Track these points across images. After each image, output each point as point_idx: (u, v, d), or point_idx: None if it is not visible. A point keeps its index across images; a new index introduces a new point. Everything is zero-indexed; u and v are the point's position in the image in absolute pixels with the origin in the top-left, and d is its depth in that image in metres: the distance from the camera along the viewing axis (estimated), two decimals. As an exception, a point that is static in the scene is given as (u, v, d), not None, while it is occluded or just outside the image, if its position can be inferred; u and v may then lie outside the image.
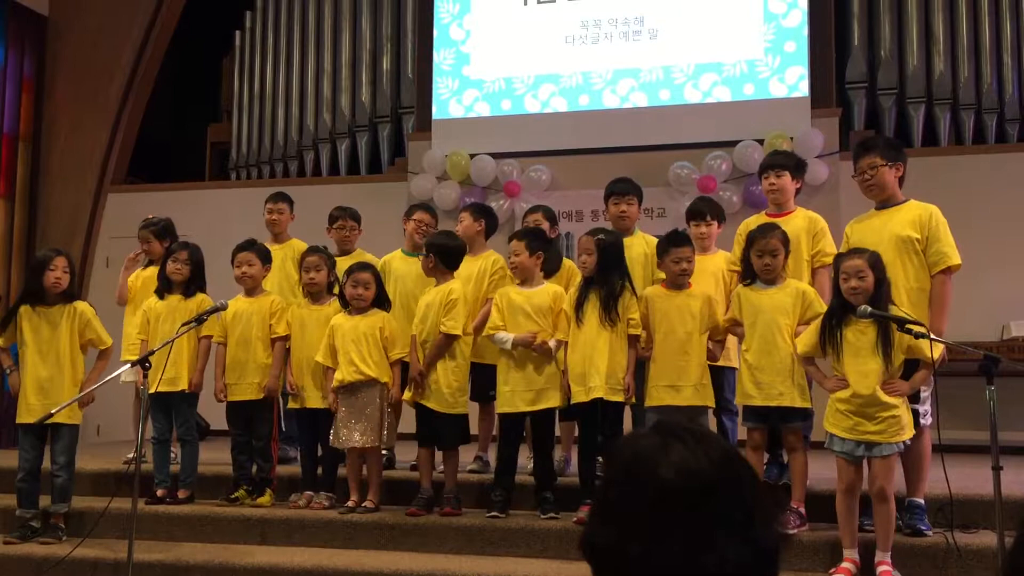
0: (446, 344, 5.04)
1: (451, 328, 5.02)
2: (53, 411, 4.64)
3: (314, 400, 5.29)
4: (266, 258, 5.59)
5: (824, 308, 4.41)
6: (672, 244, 4.79)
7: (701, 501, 1.16)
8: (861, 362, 4.11)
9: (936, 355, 4.04)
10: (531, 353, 4.92)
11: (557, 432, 5.33)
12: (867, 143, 4.61)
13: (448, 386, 5.02)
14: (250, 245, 5.58)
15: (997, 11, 7.85)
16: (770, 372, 4.47)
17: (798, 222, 4.85)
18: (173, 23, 9.51)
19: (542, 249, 5.06)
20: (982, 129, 7.81)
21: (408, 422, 5.39)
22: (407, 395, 5.13)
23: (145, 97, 9.54)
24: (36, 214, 9.39)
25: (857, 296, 4.07)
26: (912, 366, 4.17)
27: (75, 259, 5.83)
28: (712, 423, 4.90)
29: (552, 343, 4.91)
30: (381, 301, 5.26)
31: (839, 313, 4.18)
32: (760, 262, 4.54)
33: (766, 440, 4.62)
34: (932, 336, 3.95)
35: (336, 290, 5.37)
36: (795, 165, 5.03)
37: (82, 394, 4.99)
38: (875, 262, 4.12)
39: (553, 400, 4.92)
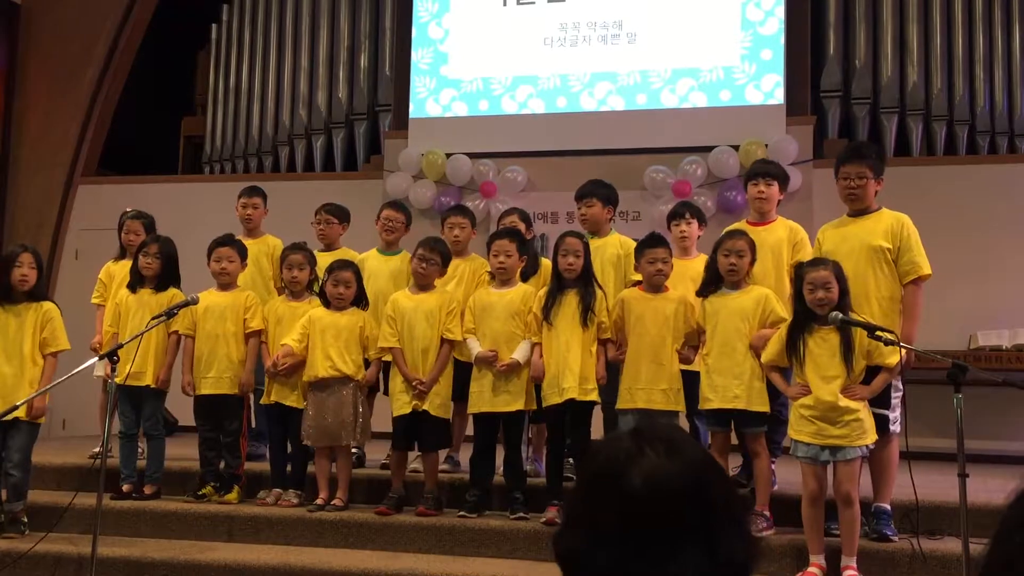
0: (451, 351, 5.06)
1: (458, 335, 5.03)
2: (17, 405, 4.58)
3: (285, 397, 5.24)
4: (244, 255, 5.55)
5: (785, 312, 4.46)
6: (647, 245, 4.82)
7: (666, 513, 1.17)
8: (823, 369, 4.15)
9: (895, 360, 4.10)
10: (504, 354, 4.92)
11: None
12: (861, 150, 4.62)
13: (446, 389, 5.04)
14: (229, 240, 5.52)
15: (970, 23, 7.93)
16: (727, 375, 4.51)
17: (780, 232, 4.89)
18: (148, 15, 9.41)
19: (526, 253, 5.09)
20: (953, 140, 7.89)
21: (380, 420, 5.36)
22: (407, 407, 5.00)
23: (118, 89, 9.44)
24: (4, 205, 9.25)
25: (823, 307, 4.12)
26: (873, 372, 4.22)
27: (43, 251, 5.73)
28: (684, 426, 4.92)
29: (525, 346, 4.90)
30: (359, 299, 5.23)
31: (802, 322, 4.22)
32: (726, 261, 4.56)
33: (729, 444, 4.66)
34: (902, 343, 3.99)
35: (316, 288, 5.34)
36: (784, 176, 5.08)
37: (32, 396, 4.83)
38: (839, 273, 4.18)
39: (525, 402, 4.91)
